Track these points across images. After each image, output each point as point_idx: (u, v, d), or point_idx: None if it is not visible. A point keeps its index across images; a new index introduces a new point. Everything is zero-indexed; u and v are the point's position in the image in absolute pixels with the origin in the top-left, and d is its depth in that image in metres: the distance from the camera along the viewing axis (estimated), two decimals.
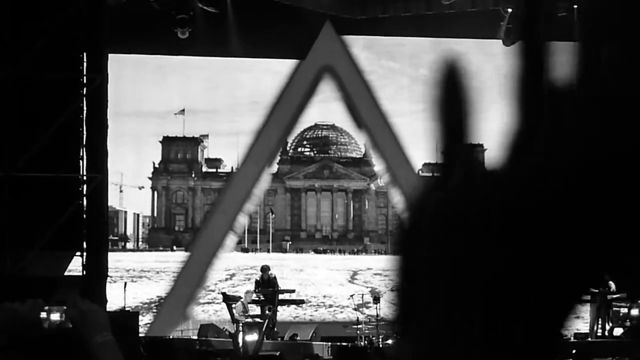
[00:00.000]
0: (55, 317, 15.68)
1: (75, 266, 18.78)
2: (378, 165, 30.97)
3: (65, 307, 15.86)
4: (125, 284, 22.18)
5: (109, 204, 21.16)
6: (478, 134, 0.84)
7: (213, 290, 41.28)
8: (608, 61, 0.78)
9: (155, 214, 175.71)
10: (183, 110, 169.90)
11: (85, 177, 18.86)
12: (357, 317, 23.17)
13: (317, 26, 26.71)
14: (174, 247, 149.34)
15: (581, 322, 31.78)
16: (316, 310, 42.89)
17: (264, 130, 27.51)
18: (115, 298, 21.50)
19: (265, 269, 23.35)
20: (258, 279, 23.25)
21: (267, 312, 21.37)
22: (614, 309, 22.41)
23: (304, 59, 27.14)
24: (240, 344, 19.97)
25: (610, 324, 22.54)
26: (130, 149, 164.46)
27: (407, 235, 0.85)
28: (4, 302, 3.61)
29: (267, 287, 22.56)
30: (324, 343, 21.73)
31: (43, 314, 15.63)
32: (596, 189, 0.78)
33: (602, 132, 0.77)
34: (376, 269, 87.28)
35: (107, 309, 18.96)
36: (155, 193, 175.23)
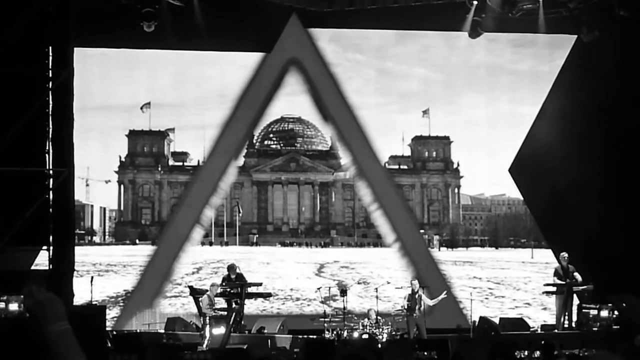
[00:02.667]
0: (14, 307, 15.68)
1: (42, 260, 18.71)
2: (344, 158, 31.06)
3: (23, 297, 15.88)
4: (92, 277, 22.07)
5: (76, 198, 21.04)
6: None
7: (180, 284, 41.20)
8: None
9: (121, 208, 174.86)
10: (149, 103, 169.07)
11: (51, 171, 18.79)
12: (324, 310, 23.24)
13: (283, 19, 26.69)
14: (137, 241, 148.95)
15: (548, 314, 32.10)
16: (283, 304, 42.92)
17: (231, 124, 27.48)
18: (82, 292, 21.44)
19: (232, 267, 23.24)
20: (225, 277, 23.13)
21: (234, 305, 21.38)
22: (584, 310, 22.26)
23: (270, 52, 27.13)
24: (207, 337, 19.99)
25: (579, 325, 22.37)
26: (97, 142, 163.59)
27: None
28: None
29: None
30: (291, 336, 21.80)
31: (1, 305, 15.64)
32: None
33: None
34: (343, 261, 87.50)
35: (74, 303, 18.96)
36: (122, 187, 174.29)
